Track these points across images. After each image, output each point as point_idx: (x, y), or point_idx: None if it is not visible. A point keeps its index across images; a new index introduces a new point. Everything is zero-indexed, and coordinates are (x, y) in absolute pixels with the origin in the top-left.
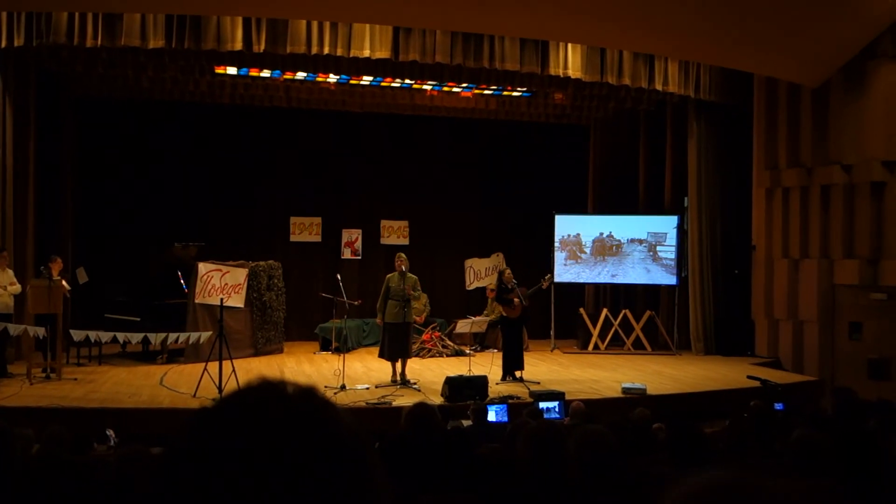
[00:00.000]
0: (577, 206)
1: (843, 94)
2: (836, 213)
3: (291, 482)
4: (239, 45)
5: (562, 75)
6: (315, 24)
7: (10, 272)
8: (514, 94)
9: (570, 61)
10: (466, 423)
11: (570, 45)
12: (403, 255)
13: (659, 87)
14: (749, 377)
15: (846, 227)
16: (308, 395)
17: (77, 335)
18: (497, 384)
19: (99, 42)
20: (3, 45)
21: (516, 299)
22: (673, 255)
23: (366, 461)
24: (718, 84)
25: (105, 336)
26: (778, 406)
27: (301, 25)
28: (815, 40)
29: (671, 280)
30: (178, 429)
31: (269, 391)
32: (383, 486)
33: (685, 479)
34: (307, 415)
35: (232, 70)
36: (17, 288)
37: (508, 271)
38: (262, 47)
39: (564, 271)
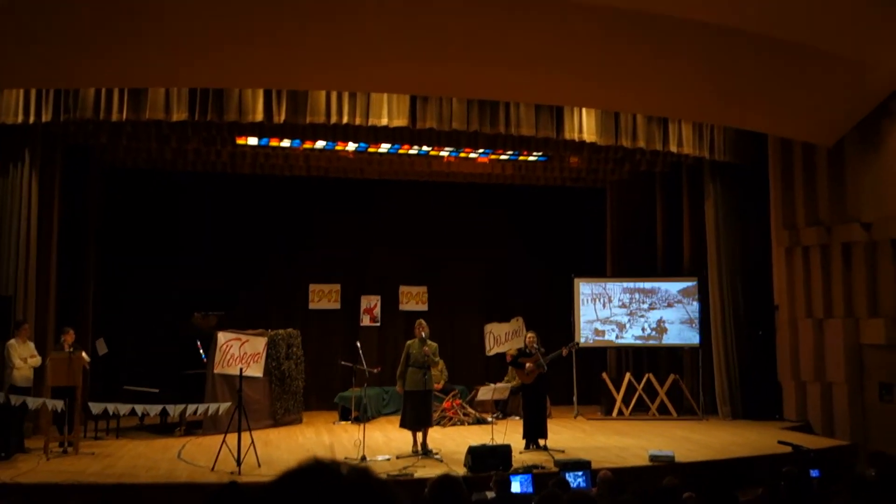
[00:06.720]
0: (596, 269)
1: (859, 152)
2: (858, 271)
3: None
4: (260, 116)
5: (577, 139)
6: (334, 95)
7: (31, 345)
8: (530, 158)
9: (585, 125)
10: (491, 494)
11: (584, 110)
12: (423, 321)
13: (673, 149)
14: (780, 442)
15: (869, 285)
16: (363, 476)
17: (96, 408)
18: (521, 453)
19: (124, 116)
20: (32, 120)
21: (528, 364)
22: (696, 317)
23: None
24: (733, 144)
25: (123, 408)
26: (814, 473)
27: (321, 96)
28: (826, 101)
29: (694, 339)
30: None
31: (323, 474)
32: None
33: None
34: (364, 498)
35: (253, 140)
36: (38, 360)
37: (531, 335)
38: (283, 118)
39: (588, 328)
